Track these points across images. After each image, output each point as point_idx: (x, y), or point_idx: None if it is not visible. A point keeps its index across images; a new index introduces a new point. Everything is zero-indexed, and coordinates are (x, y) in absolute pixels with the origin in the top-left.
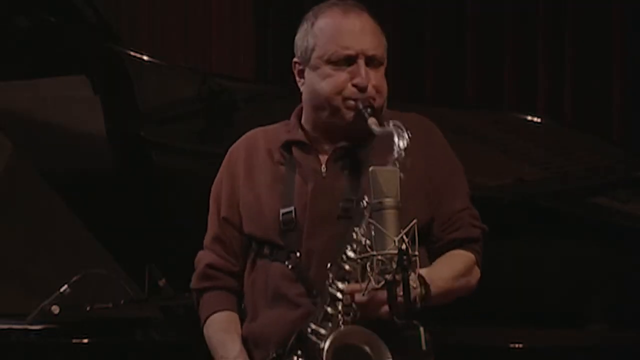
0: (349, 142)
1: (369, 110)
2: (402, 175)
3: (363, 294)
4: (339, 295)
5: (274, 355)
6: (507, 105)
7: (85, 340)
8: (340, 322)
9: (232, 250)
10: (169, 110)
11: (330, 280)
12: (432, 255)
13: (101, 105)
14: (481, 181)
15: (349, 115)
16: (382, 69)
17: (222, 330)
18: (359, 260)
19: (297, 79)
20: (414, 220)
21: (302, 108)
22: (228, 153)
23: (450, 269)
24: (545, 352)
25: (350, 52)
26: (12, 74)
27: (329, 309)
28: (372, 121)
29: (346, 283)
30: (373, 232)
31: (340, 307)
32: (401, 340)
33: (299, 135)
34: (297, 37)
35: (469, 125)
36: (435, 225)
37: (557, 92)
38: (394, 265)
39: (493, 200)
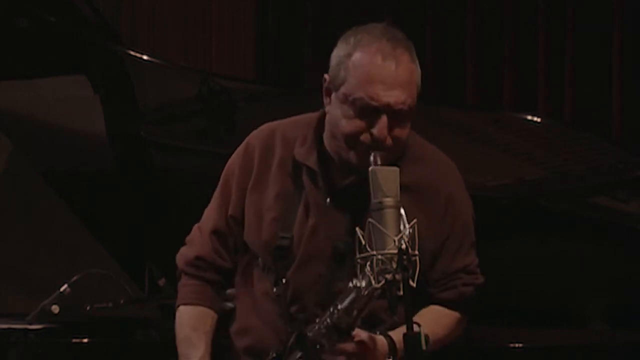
0: (358, 178)
1: (377, 160)
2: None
3: (363, 293)
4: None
5: (274, 355)
6: (507, 105)
7: (85, 340)
8: None
9: (229, 247)
10: (169, 110)
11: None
12: (419, 304)
13: (101, 105)
14: (481, 181)
15: (358, 159)
16: (408, 118)
17: (190, 326)
18: (359, 260)
19: (324, 94)
20: (414, 220)
21: (323, 118)
22: (245, 144)
23: (430, 332)
24: (545, 352)
25: (376, 104)
26: (12, 74)
27: None
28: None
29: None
30: (373, 232)
31: None
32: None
33: (311, 160)
34: (333, 55)
35: (469, 125)
36: (429, 278)
37: (557, 92)
38: (394, 265)
39: (493, 200)
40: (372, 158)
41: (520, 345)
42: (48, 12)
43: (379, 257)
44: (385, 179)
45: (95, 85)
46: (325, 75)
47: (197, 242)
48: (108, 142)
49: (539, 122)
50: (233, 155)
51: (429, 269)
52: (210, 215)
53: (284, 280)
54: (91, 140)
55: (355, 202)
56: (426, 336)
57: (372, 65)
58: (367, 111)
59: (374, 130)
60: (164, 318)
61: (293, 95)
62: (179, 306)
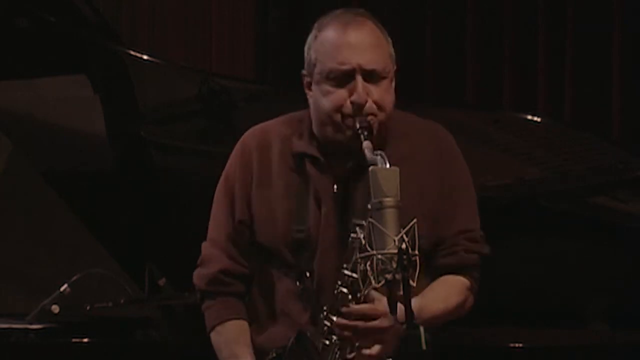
0: (360, 158)
1: (365, 133)
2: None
3: (363, 293)
4: (333, 327)
5: (274, 355)
6: (507, 105)
7: (85, 340)
8: (337, 355)
9: (244, 252)
10: (169, 110)
11: (325, 314)
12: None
13: (101, 105)
14: (481, 181)
15: (348, 132)
16: (386, 83)
17: (233, 341)
18: (359, 260)
19: (306, 90)
20: (414, 220)
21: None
22: (240, 145)
23: (442, 301)
24: (545, 352)
25: (347, 67)
26: (12, 74)
27: (326, 341)
28: (366, 145)
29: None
30: (373, 232)
31: (335, 340)
32: (401, 340)
33: (312, 149)
34: (305, 48)
35: (469, 125)
36: (432, 248)
37: (557, 92)
38: (394, 265)
39: (493, 200)
40: (357, 127)
41: (520, 345)
42: (48, 12)
43: (379, 257)
44: (385, 179)
45: (95, 85)
46: (303, 72)
47: (214, 257)
48: (108, 142)
49: (539, 122)
50: (230, 159)
51: (430, 238)
52: (219, 224)
53: (307, 274)
54: (91, 140)
55: (362, 181)
56: (427, 336)
57: (337, 35)
58: (342, 79)
59: (353, 97)
60: (164, 318)
61: (293, 95)
62: (213, 328)
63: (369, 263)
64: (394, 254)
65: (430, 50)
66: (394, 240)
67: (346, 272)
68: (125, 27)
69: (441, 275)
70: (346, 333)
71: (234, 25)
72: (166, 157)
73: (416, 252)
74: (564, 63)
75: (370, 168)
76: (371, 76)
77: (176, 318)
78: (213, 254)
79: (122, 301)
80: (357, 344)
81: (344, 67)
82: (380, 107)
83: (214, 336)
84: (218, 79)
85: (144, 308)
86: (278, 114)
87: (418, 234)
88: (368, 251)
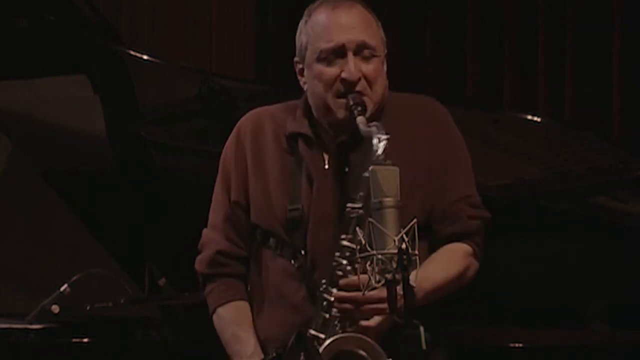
0: (352, 136)
1: (359, 108)
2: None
3: (363, 293)
4: (332, 300)
5: (274, 354)
6: (507, 105)
7: (85, 340)
8: (337, 328)
9: (242, 234)
10: (169, 110)
11: (324, 287)
12: (431, 248)
13: (101, 105)
14: (481, 181)
15: (341, 112)
16: (378, 62)
17: (235, 322)
18: (359, 260)
19: (299, 77)
20: (414, 220)
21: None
22: (236, 130)
23: (443, 270)
24: (545, 352)
25: (337, 43)
26: (12, 74)
27: (326, 315)
28: (360, 120)
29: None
30: (373, 232)
31: (335, 313)
32: (401, 339)
33: (305, 128)
34: (296, 35)
35: (469, 125)
36: (432, 217)
37: (557, 92)
38: (394, 265)
39: (493, 200)
40: (351, 103)
41: (520, 345)
42: (48, 12)
43: (379, 256)
44: (385, 179)
45: (95, 85)
46: (295, 59)
47: (212, 241)
48: (108, 142)
49: (539, 122)
50: (226, 144)
51: (434, 203)
52: (217, 208)
53: (302, 252)
54: (91, 140)
55: (353, 158)
56: (427, 336)
57: (327, 17)
58: (332, 57)
59: (344, 74)
60: (164, 318)
61: (293, 95)
62: (215, 310)
63: (369, 263)
64: (394, 254)
65: (430, 50)
66: (394, 240)
67: (344, 242)
68: (125, 27)
69: (443, 244)
70: (346, 305)
71: (234, 25)
72: (166, 157)
73: (416, 252)
74: (564, 63)
75: (370, 168)
76: (362, 51)
77: (176, 318)
78: (211, 238)
79: (122, 301)
80: (356, 316)
81: (333, 44)
82: (372, 87)
83: (215, 319)
84: (218, 79)
85: (144, 308)
86: None
87: (417, 226)
88: (368, 251)
